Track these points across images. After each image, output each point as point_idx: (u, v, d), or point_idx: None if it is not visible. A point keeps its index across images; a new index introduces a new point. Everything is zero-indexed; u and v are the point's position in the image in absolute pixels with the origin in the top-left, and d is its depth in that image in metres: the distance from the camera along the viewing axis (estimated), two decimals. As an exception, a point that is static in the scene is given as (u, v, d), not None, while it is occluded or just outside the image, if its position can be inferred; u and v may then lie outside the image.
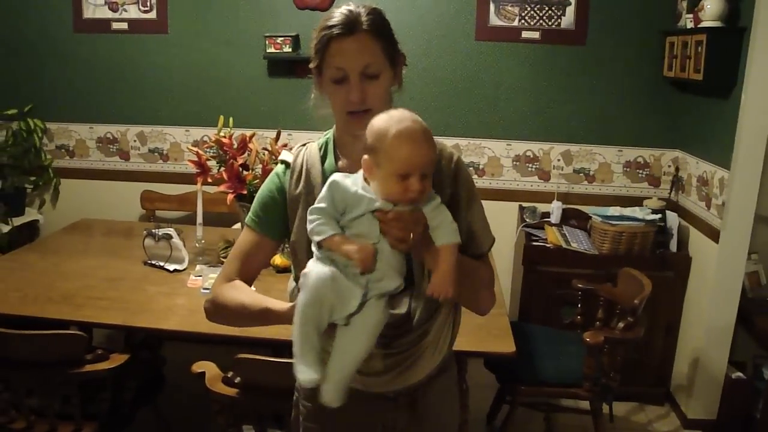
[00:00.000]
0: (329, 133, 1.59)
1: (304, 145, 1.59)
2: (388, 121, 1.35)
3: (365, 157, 1.37)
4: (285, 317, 1.45)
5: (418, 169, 1.31)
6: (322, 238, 1.34)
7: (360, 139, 1.40)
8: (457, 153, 1.55)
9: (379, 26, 1.45)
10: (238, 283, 1.58)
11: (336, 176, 1.38)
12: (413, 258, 1.42)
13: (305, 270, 1.36)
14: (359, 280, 1.33)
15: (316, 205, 1.37)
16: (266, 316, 1.52)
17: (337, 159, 1.55)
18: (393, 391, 1.56)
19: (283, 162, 1.59)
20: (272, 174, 1.60)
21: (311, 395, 1.64)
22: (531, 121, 3.94)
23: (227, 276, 1.59)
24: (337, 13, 1.44)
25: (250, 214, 1.59)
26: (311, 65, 1.50)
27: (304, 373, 1.33)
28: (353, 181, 1.36)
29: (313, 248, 1.38)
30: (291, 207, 1.52)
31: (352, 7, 1.45)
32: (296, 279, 1.60)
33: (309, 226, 1.37)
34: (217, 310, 1.60)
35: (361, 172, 1.38)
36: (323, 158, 1.55)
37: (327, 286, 1.32)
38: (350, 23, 1.42)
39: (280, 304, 1.49)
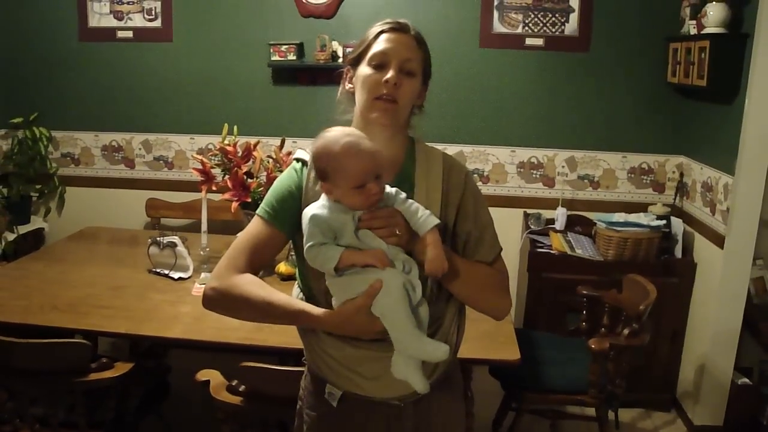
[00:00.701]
0: None
1: None
2: (326, 146, 1.44)
3: (322, 184, 1.46)
4: (324, 322, 1.47)
5: (370, 175, 1.41)
6: (336, 262, 1.41)
7: (373, 128, 1.53)
8: (466, 168, 1.65)
9: (422, 41, 1.59)
10: (255, 279, 1.55)
11: (311, 210, 1.45)
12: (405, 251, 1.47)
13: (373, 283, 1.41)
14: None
15: (307, 244, 1.43)
16: (298, 318, 1.52)
17: None
18: (396, 398, 1.56)
19: (299, 160, 1.62)
20: (289, 170, 1.63)
21: (315, 404, 1.64)
22: (535, 127, 3.94)
23: (237, 268, 1.56)
24: (388, 19, 1.58)
25: (263, 206, 1.59)
26: (349, 57, 1.60)
27: (438, 347, 1.45)
28: (328, 208, 1.44)
29: (329, 278, 1.46)
30: (307, 203, 1.53)
31: (401, 20, 1.59)
32: (302, 282, 1.60)
33: (315, 263, 1.43)
34: (226, 300, 1.55)
35: (323, 196, 1.47)
36: None
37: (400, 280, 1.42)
38: (402, 25, 1.56)
39: (317, 309, 1.49)
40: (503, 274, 1.63)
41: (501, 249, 1.64)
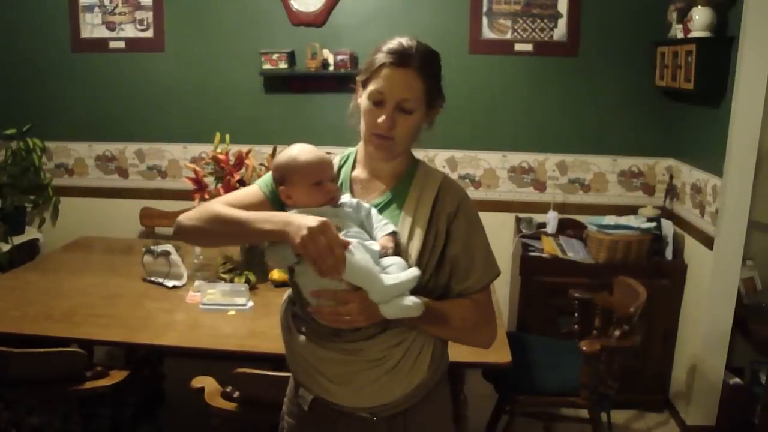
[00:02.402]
0: (355, 148, 1.69)
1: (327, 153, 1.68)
2: (283, 154, 1.58)
3: (281, 188, 1.57)
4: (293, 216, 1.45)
5: (326, 175, 1.55)
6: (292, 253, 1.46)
7: (374, 159, 1.60)
8: (464, 193, 1.63)
9: (428, 68, 1.54)
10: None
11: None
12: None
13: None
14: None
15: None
16: (271, 219, 1.48)
17: (353, 168, 1.66)
18: (365, 410, 1.56)
19: None
20: None
21: (291, 409, 1.68)
22: (526, 132, 3.97)
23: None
24: (397, 42, 1.53)
25: (263, 179, 1.67)
26: (359, 78, 1.59)
27: (408, 272, 1.47)
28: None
29: (295, 274, 1.54)
30: None
31: (412, 42, 1.54)
32: (292, 291, 1.62)
33: (274, 260, 1.54)
34: (198, 220, 1.58)
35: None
36: (342, 164, 1.67)
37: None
38: (405, 57, 1.51)
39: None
40: (485, 307, 1.61)
41: (496, 275, 1.62)
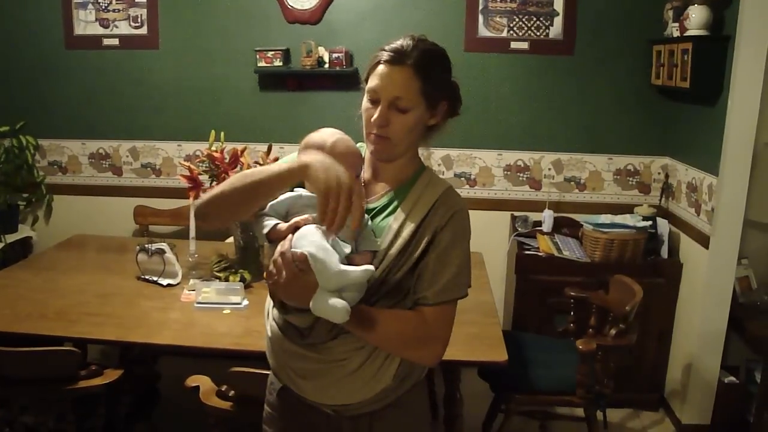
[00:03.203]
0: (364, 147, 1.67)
1: None
2: (320, 136, 1.59)
3: None
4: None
5: (357, 171, 1.55)
6: (269, 229, 1.48)
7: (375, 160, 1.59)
8: (460, 207, 1.56)
9: (424, 66, 1.49)
10: None
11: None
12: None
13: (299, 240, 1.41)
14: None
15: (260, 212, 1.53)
16: (281, 176, 1.46)
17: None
18: (329, 407, 1.56)
19: None
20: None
21: (270, 401, 1.70)
22: (521, 130, 3.96)
23: None
24: (396, 41, 1.51)
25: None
26: (364, 77, 1.57)
27: (359, 268, 1.39)
28: (305, 196, 1.53)
29: (266, 248, 1.53)
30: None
31: (410, 41, 1.51)
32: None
33: (256, 228, 1.52)
34: (214, 199, 1.53)
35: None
36: None
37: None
38: (400, 54, 1.48)
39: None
40: (434, 324, 1.51)
41: (459, 296, 1.54)
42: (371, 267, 1.39)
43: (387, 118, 1.48)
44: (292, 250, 1.40)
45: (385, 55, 1.49)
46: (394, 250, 1.50)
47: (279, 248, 1.42)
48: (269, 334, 1.62)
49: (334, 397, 1.54)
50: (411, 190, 1.57)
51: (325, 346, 1.51)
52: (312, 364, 1.52)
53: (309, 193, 1.50)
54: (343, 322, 1.37)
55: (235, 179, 1.49)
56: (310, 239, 1.39)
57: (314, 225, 1.43)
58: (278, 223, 1.48)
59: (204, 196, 1.55)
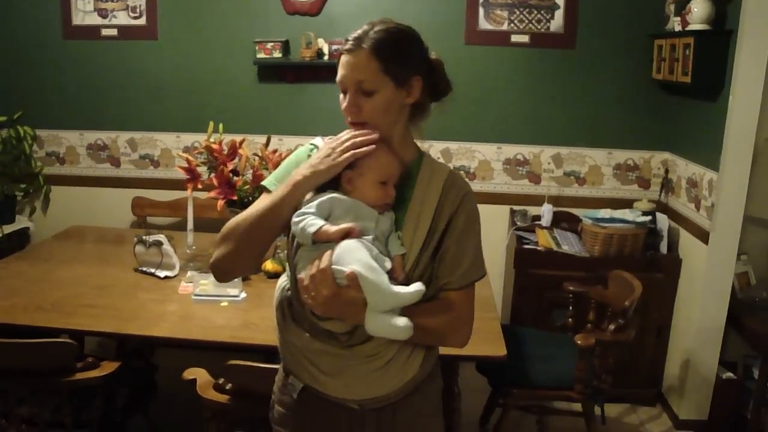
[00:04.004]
0: None
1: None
2: None
3: (345, 172, 1.48)
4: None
5: (393, 178, 1.50)
6: (317, 228, 1.41)
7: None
8: (468, 188, 1.60)
9: (381, 46, 1.47)
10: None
11: (330, 193, 1.48)
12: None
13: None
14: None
15: (303, 210, 1.46)
16: (293, 193, 1.49)
17: None
18: (356, 402, 1.55)
19: (313, 145, 1.63)
20: (301, 150, 1.64)
21: (281, 397, 1.67)
22: (521, 124, 3.95)
23: None
24: (358, 29, 1.51)
25: (271, 179, 1.59)
26: None
27: (412, 288, 1.39)
28: (348, 200, 1.48)
29: (303, 250, 1.46)
30: None
31: (367, 27, 1.50)
32: (290, 272, 1.59)
33: (297, 228, 1.44)
34: (229, 244, 1.56)
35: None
36: None
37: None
38: (357, 41, 1.48)
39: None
40: (462, 307, 1.55)
41: (481, 276, 1.58)
42: (422, 287, 1.39)
43: (357, 104, 1.48)
44: (336, 266, 1.37)
45: (345, 45, 1.49)
46: (416, 246, 1.50)
47: (319, 263, 1.38)
48: (287, 335, 1.58)
49: (363, 391, 1.53)
50: (417, 183, 1.56)
51: (359, 345, 1.50)
52: (341, 361, 1.51)
53: (345, 197, 1.48)
54: (406, 338, 1.39)
55: (235, 228, 1.53)
56: (356, 256, 1.37)
57: (357, 240, 1.40)
58: (325, 224, 1.43)
59: (216, 250, 1.58)
